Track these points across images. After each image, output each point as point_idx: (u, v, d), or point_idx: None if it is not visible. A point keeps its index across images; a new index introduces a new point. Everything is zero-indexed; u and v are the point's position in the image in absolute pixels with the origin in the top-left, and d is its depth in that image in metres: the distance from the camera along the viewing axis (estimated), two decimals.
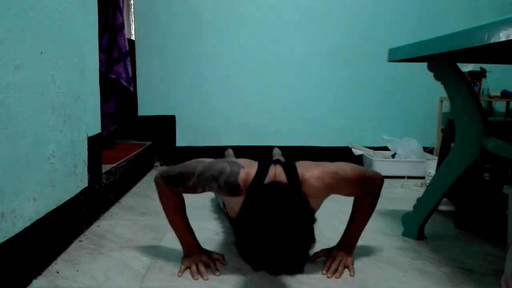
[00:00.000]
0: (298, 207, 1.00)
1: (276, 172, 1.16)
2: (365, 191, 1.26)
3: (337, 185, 1.18)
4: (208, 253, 1.29)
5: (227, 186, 1.14)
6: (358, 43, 2.85)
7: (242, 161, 1.20)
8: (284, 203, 0.99)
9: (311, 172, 1.17)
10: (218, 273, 1.22)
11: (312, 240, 1.00)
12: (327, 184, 1.16)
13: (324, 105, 2.88)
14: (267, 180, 1.14)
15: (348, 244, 1.32)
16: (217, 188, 1.16)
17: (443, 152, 1.87)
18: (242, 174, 1.14)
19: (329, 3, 2.81)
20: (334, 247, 1.33)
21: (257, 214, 0.97)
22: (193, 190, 1.19)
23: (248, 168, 1.16)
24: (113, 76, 2.28)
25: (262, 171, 1.15)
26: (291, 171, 1.16)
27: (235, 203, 1.16)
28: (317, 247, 1.39)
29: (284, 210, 0.96)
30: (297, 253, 0.97)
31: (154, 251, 1.40)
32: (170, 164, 2.87)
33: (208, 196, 2.07)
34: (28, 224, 1.13)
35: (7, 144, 1.03)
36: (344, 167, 1.21)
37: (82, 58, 1.51)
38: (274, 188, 1.08)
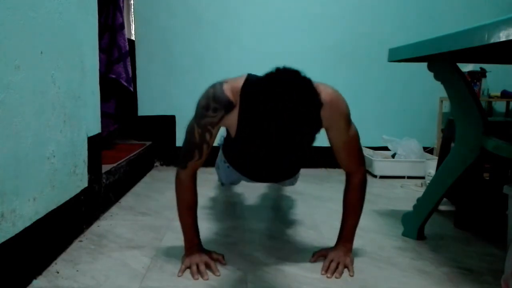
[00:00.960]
0: (308, 101, 0.89)
1: None
2: (354, 162, 1.26)
3: (340, 118, 1.17)
4: (208, 253, 1.29)
5: (217, 103, 1.12)
6: (358, 43, 2.85)
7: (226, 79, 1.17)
8: (288, 96, 0.87)
9: (327, 88, 1.12)
10: (218, 273, 1.22)
11: (311, 142, 0.93)
12: (334, 107, 1.12)
13: None
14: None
15: (345, 243, 1.32)
16: (213, 113, 1.13)
17: (443, 152, 1.87)
18: (226, 86, 1.13)
19: (329, 3, 2.81)
20: (332, 247, 1.33)
21: (257, 111, 0.88)
22: (204, 141, 1.16)
23: (232, 81, 1.14)
24: (113, 76, 2.28)
25: (251, 79, 1.12)
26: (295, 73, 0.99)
27: (233, 120, 1.14)
28: (317, 247, 1.40)
29: (289, 103, 0.85)
30: (295, 150, 0.90)
31: (154, 251, 1.40)
32: (170, 164, 2.88)
33: (208, 196, 2.08)
34: (28, 224, 1.13)
35: (7, 144, 1.03)
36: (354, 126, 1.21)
37: (82, 58, 1.51)
38: (274, 82, 0.91)
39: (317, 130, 0.93)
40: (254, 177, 1.57)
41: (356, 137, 1.24)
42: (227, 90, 1.13)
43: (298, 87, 0.89)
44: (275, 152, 0.89)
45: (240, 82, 1.14)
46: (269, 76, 0.94)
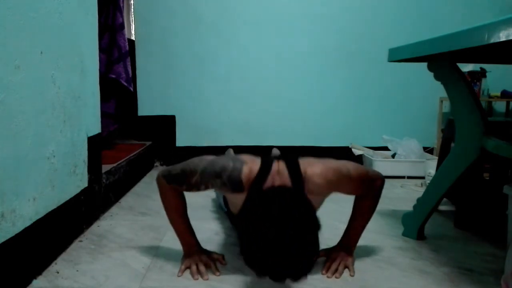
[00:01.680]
0: (303, 212, 0.98)
1: (279, 169, 1.15)
2: (366, 190, 1.26)
3: (339, 182, 1.18)
4: (208, 253, 1.29)
5: (230, 182, 1.13)
6: (358, 43, 2.85)
7: (245, 157, 1.19)
8: (288, 209, 0.97)
9: (313, 168, 1.16)
10: (218, 273, 1.22)
11: (316, 246, 0.99)
12: (329, 181, 1.16)
13: (324, 105, 2.88)
14: (270, 179, 1.12)
15: (348, 245, 1.31)
16: (220, 185, 1.15)
17: (443, 152, 1.87)
18: (245, 170, 1.13)
19: (329, 3, 2.81)
20: (334, 247, 1.33)
21: (260, 219, 0.96)
22: (196, 187, 1.18)
23: (251, 164, 1.15)
24: (113, 76, 2.28)
25: (265, 167, 1.14)
26: (293, 168, 1.15)
27: (237, 199, 1.16)
28: None
29: (288, 216, 0.95)
30: (301, 259, 0.95)
31: (154, 251, 1.40)
32: (170, 164, 2.87)
33: (208, 197, 2.07)
34: (28, 224, 1.13)
35: (7, 144, 1.03)
36: (346, 165, 1.21)
37: (82, 58, 1.51)
38: (277, 193, 1.06)
39: (314, 232, 0.99)
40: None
41: (358, 179, 1.21)
42: (245, 175, 1.13)
43: (295, 210, 0.98)
44: (272, 250, 0.93)
45: (256, 167, 1.15)
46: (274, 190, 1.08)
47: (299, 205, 1.00)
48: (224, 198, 1.58)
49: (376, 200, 1.29)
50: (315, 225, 1.00)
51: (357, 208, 1.30)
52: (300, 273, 0.98)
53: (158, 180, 1.25)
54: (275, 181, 1.12)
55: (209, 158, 1.19)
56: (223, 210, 1.77)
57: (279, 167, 1.16)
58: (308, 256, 0.97)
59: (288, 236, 0.93)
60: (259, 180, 1.13)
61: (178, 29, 2.80)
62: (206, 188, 1.18)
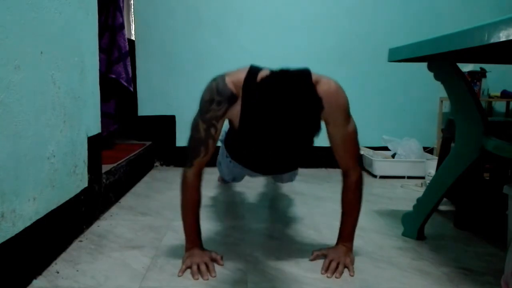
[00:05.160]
0: (306, 92, 0.90)
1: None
2: (350, 161, 1.26)
3: (339, 109, 1.18)
4: (209, 253, 1.30)
5: (221, 96, 1.13)
6: (358, 43, 2.84)
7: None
8: (289, 87, 0.88)
9: (326, 79, 1.15)
10: (214, 274, 1.21)
11: (318, 128, 0.92)
12: (333, 99, 1.14)
13: None
14: (263, 73, 1.05)
15: (345, 243, 1.32)
16: (217, 107, 1.14)
17: (443, 152, 1.87)
18: (228, 78, 1.14)
19: (329, 3, 2.81)
20: (332, 247, 1.34)
21: (259, 103, 0.88)
22: (210, 136, 1.17)
23: (235, 73, 1.16)
24: (113, 76, 2.28)
25: (254, 68, 1.14)
26: (302, 69, 1.04)
27: (237, 112, 1.14)
28: (317, 247, 1.40)
29: (290, 94, 0.87)
30: (302, 143, 0.90)
31: (154, 251, 1.40)
32: (170, 164, 2.88)
33: (208, 196, 2.08)
34: (28, 224, 1.13)
35: (7, 144, 1.03)
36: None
37: (82, 58, 1.51)
38: (276, 76, 0.93)
39: (318, 120, 0.92)
40: (257, 169, 1.57)
41: (354, 133, 1.24)
42: (230, 82, 1.14)
43: (298, 79, 0.91)
44: (277, 142, 0.88)
45: (242, 74, 1.15)
46: (271, 71, 0.97)
47: (303, 86, 0.90)
48: (226, 143, 1.58)
49: (359, 192, 1.30)
50: (318, 106, 0.92)
51: (345, 203, 1.31)
52: (296, 157, 0.93)
53: (183, 174, 1.25)
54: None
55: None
56: (223, 177, 1.79)
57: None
58: (304, 137, 0.90)
59: (290, 115, 0.85)
60: (250, 77, 1.10)
61: (178, 29, 2.80)
62: (215, 127, 1.16)
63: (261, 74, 1.04)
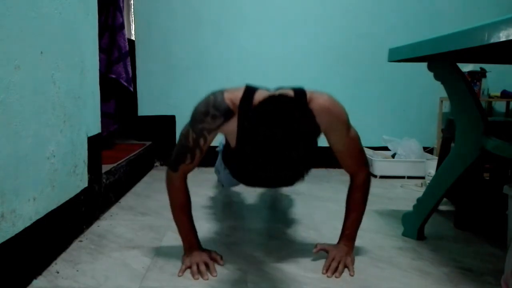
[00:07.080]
0: (302, 116, 0.93)
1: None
2: (357, 163, 1.27)
3: (338, 120, 1.19)
4: (208, 252, 1.30)
5: (217, 109, 1.13)
6: (358, 43, 2.85)
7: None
8: (286, 112, 0.90)
9: (319, 94, 1.16)
10: (215, 274, 1.22)
11: (314, 153, 0.95)
12: (330, 111, 1.16)
13: None
14: (259, 94, 1.11)
15: (346, 242, 1.32)
16: (211, 121, 1.14)
17: (443, 152, 1.87)
18: (227, 94, 1.14)
19: (329, 3, 2.81)
20: (333, 246, 1.33)
21: (256, 124, 0.90)
22: (198, 147, 1.17)
23: (232, 90, 1.16)
24: (113, 76, 2.28)
25: (250, 88, 1.15)
26: (296, 89, 1.12)
27: (232, 129, 1.14)
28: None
29: (286, 118, 0.89)
30: (298, 160, 0.90)
31: (154, 251, 1.40)
32: None
33: (208, 196, 2.08)
34: (28, 224, 1.13)
35: (7, 144, 1.03)
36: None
37: (82, 58, 1.51)
38: (272, 100, 0.95)
39: (313, 139, 0.96)
40: (253, 185, 1.57)
41: (356, 139, 1.26)
42: (228, 99, 1.14)
43: (294, 105, 0.94)
44: (273, 168, 0.89)
45: (240, 93, 1.15)
46: (268, 95, 1.00)
47: (297, 110, 0.93)
48: (224, 157, 1.58)
49: (365, 193, 1.31)
50: (315, 131, 0.95)
51: (350, 202, 1.32)
52: (296, 175, 0.94)
53: (166, 175, 1.26)
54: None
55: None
56: (221, 183, 1.76)
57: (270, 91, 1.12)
58: (306, 159, 0.92)
59: (285, 136, 0.87)
60: (246, 97, 1.12)
61: (178, 29, 2.80)
62: (205, 139, 1.17)
63: (257, 97, 1.09)
